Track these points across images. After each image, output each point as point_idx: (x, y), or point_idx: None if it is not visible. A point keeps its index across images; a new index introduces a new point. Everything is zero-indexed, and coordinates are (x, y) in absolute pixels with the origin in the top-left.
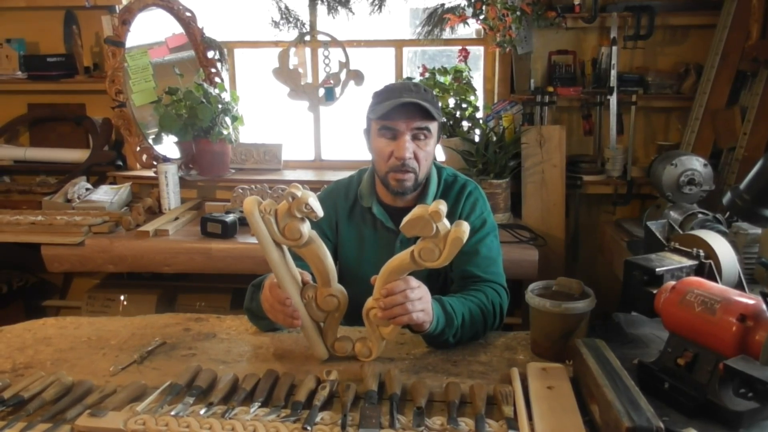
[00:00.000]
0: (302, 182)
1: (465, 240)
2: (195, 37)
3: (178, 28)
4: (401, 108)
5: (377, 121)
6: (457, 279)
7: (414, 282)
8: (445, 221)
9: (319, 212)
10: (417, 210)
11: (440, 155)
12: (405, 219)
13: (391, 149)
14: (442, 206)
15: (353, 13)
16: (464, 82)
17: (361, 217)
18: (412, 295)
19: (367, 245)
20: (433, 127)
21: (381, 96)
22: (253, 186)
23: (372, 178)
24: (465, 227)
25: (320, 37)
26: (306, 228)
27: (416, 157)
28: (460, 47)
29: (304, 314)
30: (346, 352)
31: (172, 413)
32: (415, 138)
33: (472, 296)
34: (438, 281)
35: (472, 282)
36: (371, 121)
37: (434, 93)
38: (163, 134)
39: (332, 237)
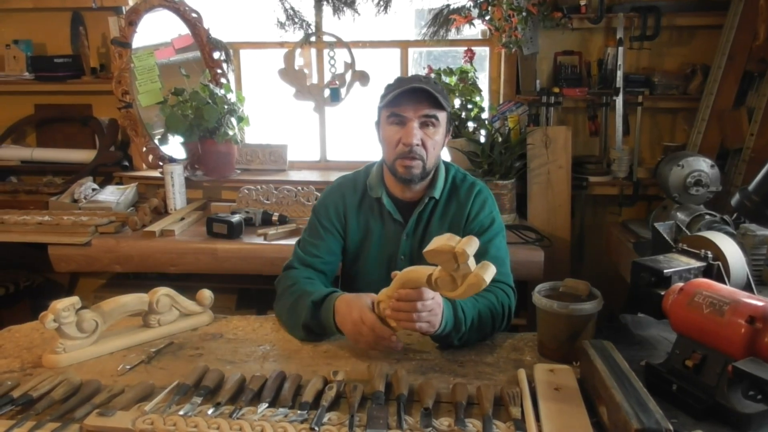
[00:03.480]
0: (307, 183)
1: (485, 286)
2: (201, 38)
3: (184, 29)
4: (409, 96)
5: (386, 109)
6: None
7: (428, 294)
8: (470, 262)
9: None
10: (444, 243)
11: (446, 156)
12: (430, 246)
13: (399, 136)
14: (470, 248)
15: (359, 14)
16: (470, 82)
17: (369, 208)
18: (421, 307)
19: (374, 237)
20: (441, 116)
21: (391, 86)
22: (258, 186)
23: (381, 170)
24: (489, 272)
25: (326, 38)
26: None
27: (424, 145)
28: (466, 48)
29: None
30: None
31: (180, 413)
32: (423, 126)
33: (483, 297)
34: None
35: None
36: (381, 111)
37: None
38: (169, 135)
39: (341, 230)
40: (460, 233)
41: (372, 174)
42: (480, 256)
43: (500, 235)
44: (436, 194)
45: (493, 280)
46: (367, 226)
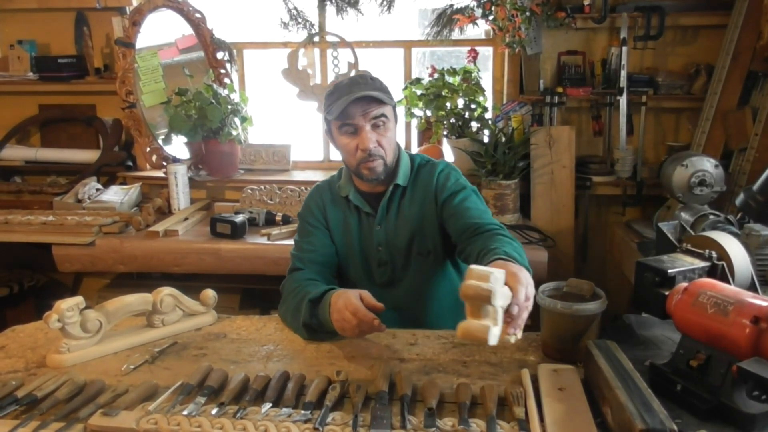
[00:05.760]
0: (310, 183)
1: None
2: (205, 38)
3: (187, 29)
4: (355, 102)
5: (336, 121)
6: (459, 236)
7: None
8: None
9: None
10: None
11: (449, 155)
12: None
13: (356, 143)
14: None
15: (362, 14)
16: (473, 82)
17: (346, 207)
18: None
19: (353, 232)
20: (388, 111)
21: (333, 96)
22: (262, 186)
23: (348, 171)
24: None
25: (329, 38)
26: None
27: (380, 144)
28: (469, 48)
29: None
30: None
31: (184, 413)
32: (374, 127)
33: (509, 243)
34: (428, 258)
35: (477, 230)
36: (330, 122)
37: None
38: (172, 135)
39: (325, 224)
40: (434, 210)
41: (342, 176)
42: (463, 212)
43: (474, 194)
44: (401, 181)
45: (487, 228)
46: (346, 222)
